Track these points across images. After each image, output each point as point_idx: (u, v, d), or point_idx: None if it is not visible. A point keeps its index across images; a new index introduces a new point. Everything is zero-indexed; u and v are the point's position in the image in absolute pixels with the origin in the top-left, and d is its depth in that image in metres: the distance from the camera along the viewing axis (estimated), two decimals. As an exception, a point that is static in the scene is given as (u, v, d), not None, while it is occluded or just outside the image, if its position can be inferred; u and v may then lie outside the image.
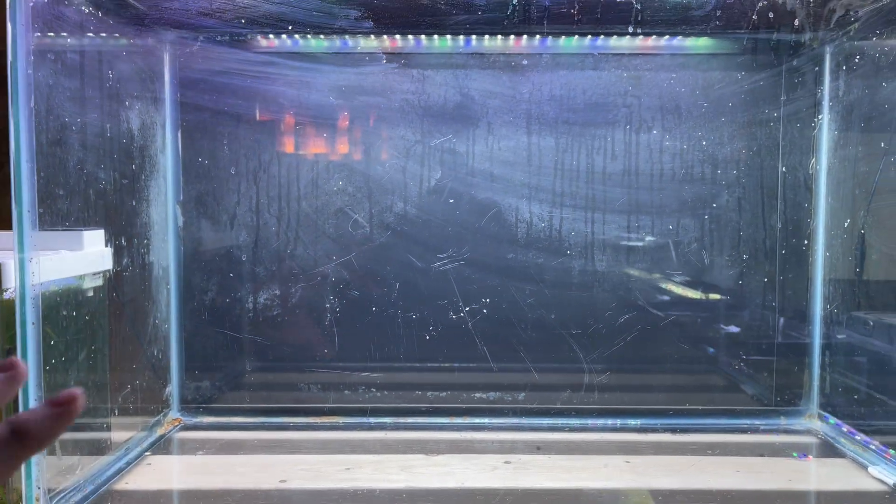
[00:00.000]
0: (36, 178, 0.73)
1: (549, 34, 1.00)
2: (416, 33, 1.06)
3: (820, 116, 1.10)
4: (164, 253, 1.09)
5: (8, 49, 0.71)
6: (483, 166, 1.10)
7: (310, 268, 1.12)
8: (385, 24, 0.94)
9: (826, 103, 1.09)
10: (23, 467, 0.75)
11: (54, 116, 0.79)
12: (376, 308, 1.12)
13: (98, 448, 0.92)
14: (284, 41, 1.08)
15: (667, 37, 1.07)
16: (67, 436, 0.83)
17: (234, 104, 1.10)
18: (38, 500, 0.75)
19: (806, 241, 1.11)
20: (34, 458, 0.76)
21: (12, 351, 0.75)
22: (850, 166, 1.04)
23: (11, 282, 0.74)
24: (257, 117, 1.11)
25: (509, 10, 0.86)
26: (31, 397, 0.74)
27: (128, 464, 0.95)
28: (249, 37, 1.07)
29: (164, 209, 1.09)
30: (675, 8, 0.88)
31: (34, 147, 0.73)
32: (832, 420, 1.09)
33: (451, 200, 1.10)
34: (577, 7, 0.83)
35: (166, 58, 1.08)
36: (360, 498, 0.86)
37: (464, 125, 1.10)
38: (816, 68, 1.09)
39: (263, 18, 0.91)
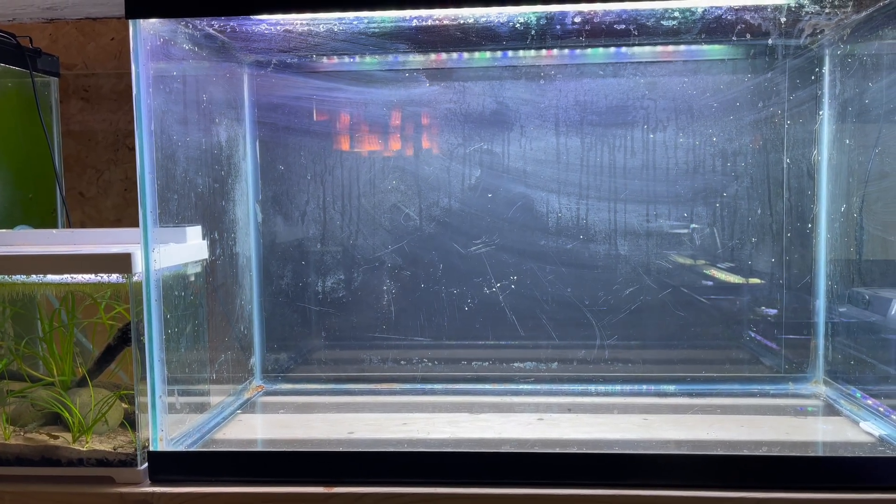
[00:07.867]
0: (156, 186, 0.92)
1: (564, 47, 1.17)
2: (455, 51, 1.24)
3: (821, 112, 1.22)
4: (247, 245, 1.29)
5: (133, 84, 0.91)
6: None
7: (369, 255, 1.30)
8: (427, 51, 1.13)
9: (826, 101, 1.21)
10: (149, 418, 0.95)
11: (166, 136, 0.98)
12: (424, 288, 1.29)
13: (200, 408, 1.12)
14: (346, 65, 1.26)
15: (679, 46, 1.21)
16: (177, 398, 1.03)
17: (303, 117, 1.28)
18: (161, 440, 0.95)
19: (810, 225, 1.24)
20: (158, 413, 0.96)
21: (140, 322, 0.95)
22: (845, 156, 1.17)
23: (139, 268, 0.94)
24: (323, 129, 1.29)
25: (528, 40, 1.03)
26: (156, 358, 0.94)
27: (223, 419, 1.15)
28: (315, 63, 1.25)
29: (246, 208, 1.28)
30: (668, 33, 1.03)
31: (154, 162, 0.92)
32: (834, 384, 1.22)
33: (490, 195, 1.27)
34: (584, 34, 0.99)
35: (245, 80, 1.27)
36: (414, 444, 1.03)
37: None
38: (817, 69, 1.21)
39: (330, 52, 1.10)
